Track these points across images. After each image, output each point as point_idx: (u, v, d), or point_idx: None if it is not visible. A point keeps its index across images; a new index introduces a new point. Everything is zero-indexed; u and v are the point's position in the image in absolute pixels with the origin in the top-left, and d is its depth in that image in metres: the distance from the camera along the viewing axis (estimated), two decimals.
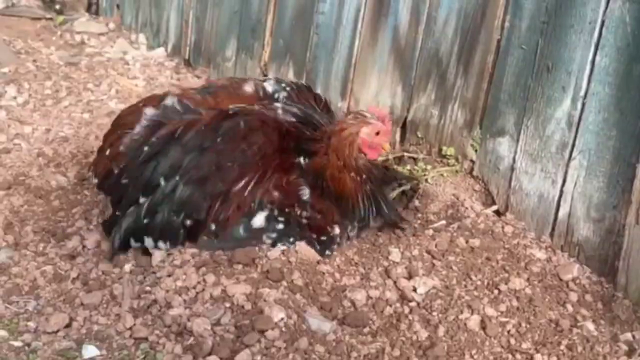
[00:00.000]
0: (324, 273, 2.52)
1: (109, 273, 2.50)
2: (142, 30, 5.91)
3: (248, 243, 2.57)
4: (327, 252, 2.64)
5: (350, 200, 2.69)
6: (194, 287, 2.39)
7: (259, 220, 2.58)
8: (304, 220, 2.62)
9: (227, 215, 2.55)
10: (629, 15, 2.49)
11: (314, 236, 2.63)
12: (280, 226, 2.59)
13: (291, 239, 2.60)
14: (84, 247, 2.62)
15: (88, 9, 6.65)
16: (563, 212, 2.75)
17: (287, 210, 2.60)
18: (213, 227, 2.55)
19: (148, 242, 2.55)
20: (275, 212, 2.59)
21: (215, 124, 2.59)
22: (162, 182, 2.52)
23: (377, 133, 2.69)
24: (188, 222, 2.53)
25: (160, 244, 2.55)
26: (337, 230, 2.66)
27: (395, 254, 2.66)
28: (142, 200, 2.53)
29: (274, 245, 2.58)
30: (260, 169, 2.59)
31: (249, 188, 2.56)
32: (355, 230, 2.76)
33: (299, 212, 2.62)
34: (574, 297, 2.50)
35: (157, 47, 5.61)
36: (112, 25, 6.10)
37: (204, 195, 2.53)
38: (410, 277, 2.55)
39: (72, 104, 4.14)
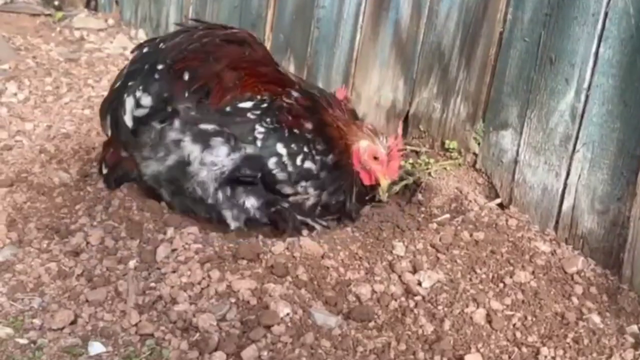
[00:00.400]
0: (328, 268, 2.52)
1: (113, 269, 2.49)
2: (142, 25, 5.90)
3: (231, 120, 2.69)
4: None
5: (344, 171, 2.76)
6: (199, 283, 2.38)
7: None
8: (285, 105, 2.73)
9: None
10: (632, 6, 2.49)
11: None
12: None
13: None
14: (87, 243, 2.61)
15: (87, 5, 6.63)
16: (567, 204, 2.75)
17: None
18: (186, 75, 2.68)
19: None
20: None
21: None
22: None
23: (376, 157, 2.71)
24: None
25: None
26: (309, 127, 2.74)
27: (399, 248, 2.66)
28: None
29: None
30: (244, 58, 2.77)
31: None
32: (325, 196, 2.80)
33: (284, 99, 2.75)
34: (579, 289, 2.50)
35: None
36: (111, 21, 6.08)
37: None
38: (415, 271, 2.54)
39: (73, 100, 4.13)
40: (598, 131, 2.63)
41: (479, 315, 2.34)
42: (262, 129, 2.70)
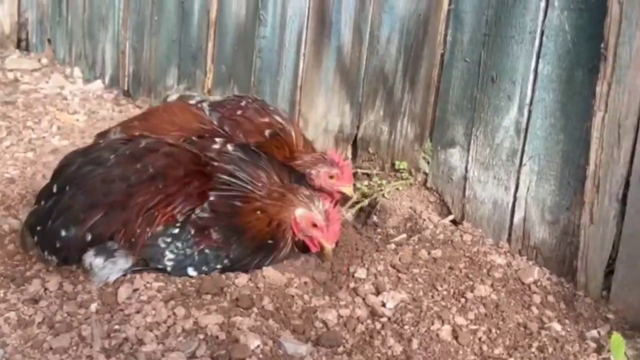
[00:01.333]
0: (293, 296, 2.53)
1: (74, 314, 2.44)
2: (77, 63, 5.82)
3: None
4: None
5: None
6: (165, 322, 2.36)
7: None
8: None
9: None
10: (567, 23, 2.60)
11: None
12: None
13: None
14: (45, 289, 2.56)
15: (17, 46, 6.52)
16: (518, 217, 2.83)
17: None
18: (89, 237, 2.53)
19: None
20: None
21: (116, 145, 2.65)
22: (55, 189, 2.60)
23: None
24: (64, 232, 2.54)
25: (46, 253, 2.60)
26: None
27: (360, 271, 2.69)
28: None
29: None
30: (157, 193, 2.58)
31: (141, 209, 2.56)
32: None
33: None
34: (537, 299, 2.57)
35: (94, 79, 5.53)
36: (44, 61, 5.99)
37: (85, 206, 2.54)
38: (378, 292, 2.57)
39: (14, 143, 4.04)
40: (543, 144, 2.73)
41: (445, 332, 2.38)
42: (171, 255, 2.60)
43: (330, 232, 2.67)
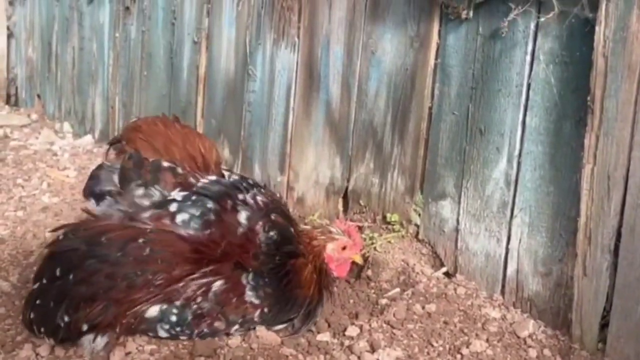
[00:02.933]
0: (287, 356, 2.50)
1: None
2: (67, 118, 5.85)
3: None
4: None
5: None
6: None
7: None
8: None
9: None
10: (553, 76, 2.63)
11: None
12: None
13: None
14: (37, 354, 2.51)
15: (7, 101, 6.57)
16: (511, 269, 2.83)
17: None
18: (85, 327, 2.45)
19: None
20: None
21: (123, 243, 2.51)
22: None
23: (344, 248, 2.73)
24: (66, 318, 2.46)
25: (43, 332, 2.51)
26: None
27: (354, 329, 2.66)
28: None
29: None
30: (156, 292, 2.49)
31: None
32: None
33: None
34: (533, 353, 2.55)
35: (83, 134, 5.56)
36: (34, 116, 6.03)
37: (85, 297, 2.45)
38: (373, 350, 2.55)
39: (4, 202, 4.03)
40: (533, 196, 2.74)
41: None
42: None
43: (356, 243, 2.76)
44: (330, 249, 2.70)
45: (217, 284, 2.50)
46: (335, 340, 2.62)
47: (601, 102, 2.44)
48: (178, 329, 2.50)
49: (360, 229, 3.32)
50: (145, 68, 4.82)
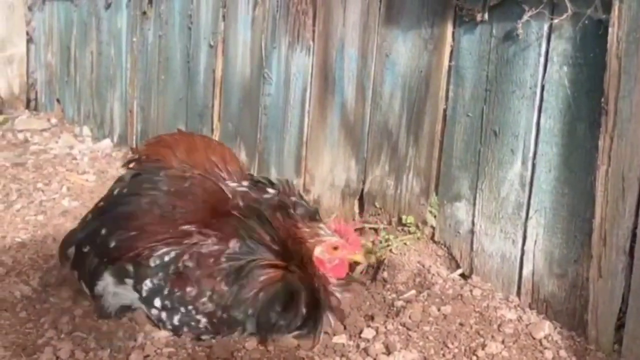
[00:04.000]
0: (303, 359, 2.52)
1: None
2: (86, 122, 5.92)
3: None
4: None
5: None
6: None
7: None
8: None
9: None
10: (567, 78, 2.63)
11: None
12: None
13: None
14: (57, 357, 2.55)
15: (27, 106, 6.64)
16: (527, 270, 2.83)
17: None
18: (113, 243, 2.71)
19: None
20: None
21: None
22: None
23: (336, 248, 2.64)
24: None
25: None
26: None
27: (370, 331, 2.68)
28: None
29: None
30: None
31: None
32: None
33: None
34: (549, 354, 2.55)
35: (102, 138, 5.62)
36: (54, 120, 6.10)
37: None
38: (389, 352, 2.56)
39: (25, 206, 4.09)
40: (548, 197, 2.74)
41: None
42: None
43: (352, 243, 2.67)
44: (319, 251, 2.63)
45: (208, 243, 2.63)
46: (351, 343, 2.64)
47: (615, 103, 2.44)
48: (157, 282, 2.64)
49: (375, 230, 3.34)
50: (163, 72, 4.87)
